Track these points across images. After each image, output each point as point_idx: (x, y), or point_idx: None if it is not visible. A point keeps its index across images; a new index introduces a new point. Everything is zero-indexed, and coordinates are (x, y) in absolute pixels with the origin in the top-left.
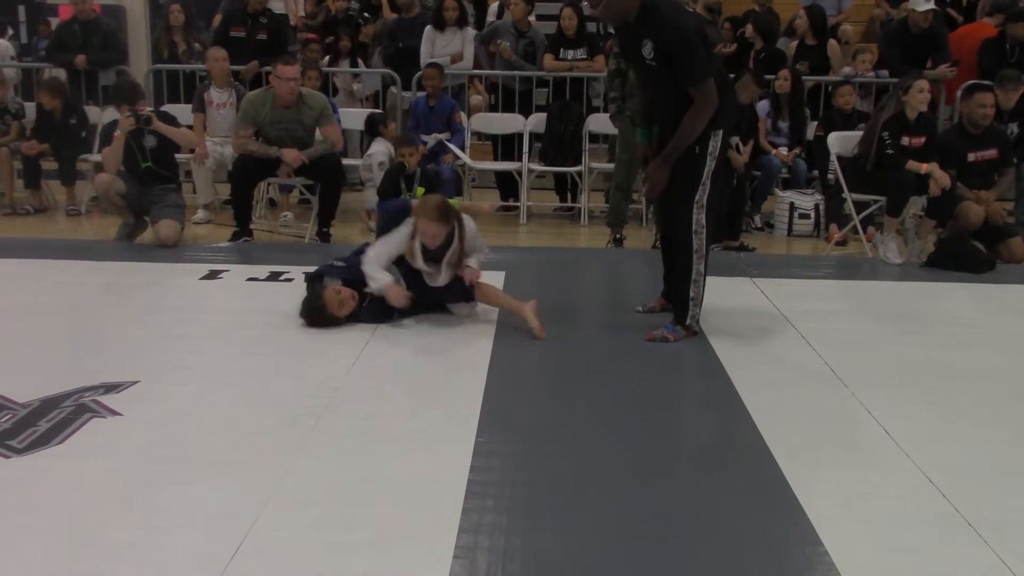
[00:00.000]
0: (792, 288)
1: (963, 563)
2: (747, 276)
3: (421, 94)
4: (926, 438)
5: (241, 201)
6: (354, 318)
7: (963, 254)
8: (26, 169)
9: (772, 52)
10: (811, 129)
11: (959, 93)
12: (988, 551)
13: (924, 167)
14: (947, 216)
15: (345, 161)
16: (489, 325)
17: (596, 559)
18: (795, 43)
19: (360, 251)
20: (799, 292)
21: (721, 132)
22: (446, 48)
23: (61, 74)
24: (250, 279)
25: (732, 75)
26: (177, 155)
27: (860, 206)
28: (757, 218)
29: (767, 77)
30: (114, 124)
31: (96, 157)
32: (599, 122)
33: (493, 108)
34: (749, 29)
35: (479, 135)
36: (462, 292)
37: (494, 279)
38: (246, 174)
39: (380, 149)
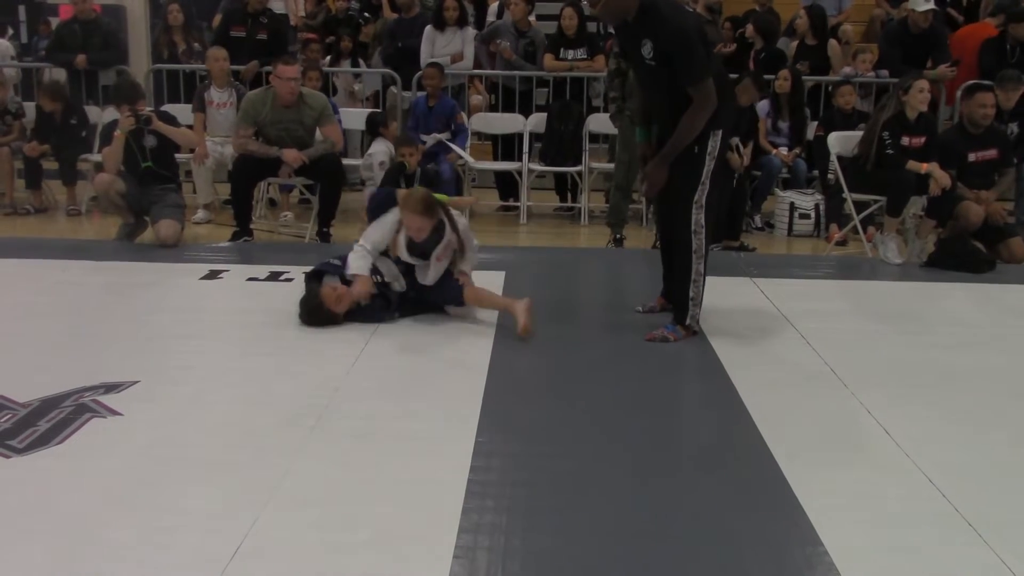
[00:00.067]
0: (792, 288)
1: (963, 563)
2: (747, 276)
3: (421, 94)
4: (926, 438)
5: (241, 201)
6: (353, 318)
7: (963, 254)
8: (27, 169)
9: (772, 52)
10: (811, 129)
11: (959, 93)
12: (988, 551)
13: (924, 167)
14: (947, 216)
15: (345, 161)
16: (489, 325)
17: (596, 559)
18: (795, 43)
19: None
20: (799, 292)
21: (720, 132)
22: (446, 48)
23: (61, 75)
24: (250, 279)
25: (733, 75)
26: (177, 155)
27: (860, 206)
28: (757, 218)
29: (767, 77)
30: (114, 124)
31: (96, 157)
32: (599, 122)
33: (493, 108)
34: (749, 29)
35: (479, 135)
36: (451, 294)
37: (494, 279)
38: (246, 174)
39: (381, 149)
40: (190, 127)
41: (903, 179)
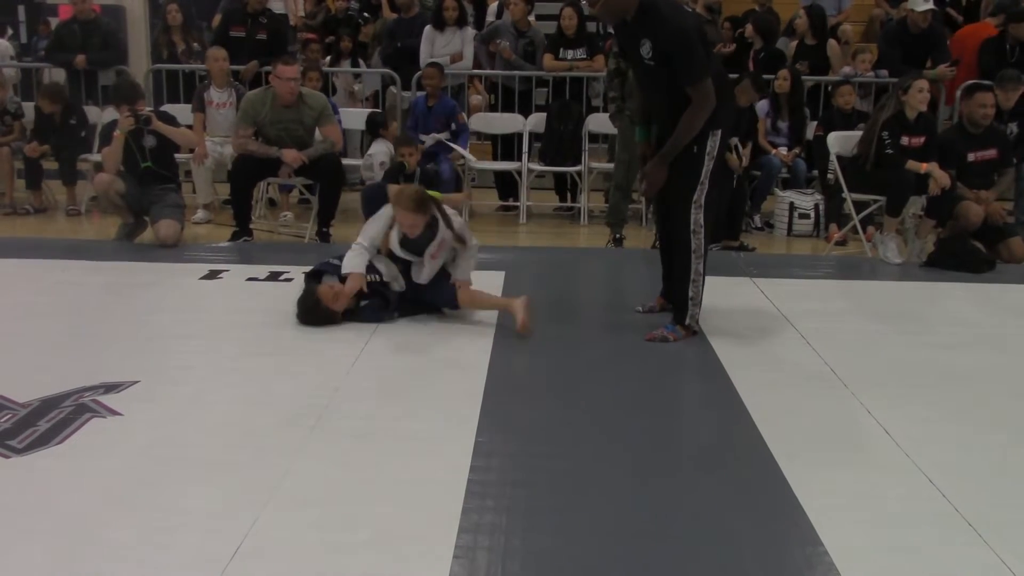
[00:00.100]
0: (792, 288)
1: (963, 563)
2: (747, 276)
3: (420, 94)
4: (926, 438)
5: (241, 201)
6: (353, 318)
7: (963, 254)
8: (27, 169)
9: (772, 52)
10: (811, 129)
11: (959, 93)
12: (988, 551)
13: (924, 167)
14: (947, 216)
15: (345, 161)
16: (488, 325)
17: (596, 559)
18: (795, 43)
19: None
20: (799, 292)
21: (719, 132)
22: (446, 48)
23: (61, 75)
24: (250, 279)
25: (732, 76)
26: (177, 155)
27: (860, 206)
28: (757, 218)
29: (766, 77)
30: (114, 124)
31: (96, 157)
32: (599, 122)
33: (493, 108)
34: (749, 29)
35: (479, 135)
36: (445, 296)
37: (494, 279)
38: (246, 174)
39: (381, 149)
40: (190, 127)
41: (903, 179)
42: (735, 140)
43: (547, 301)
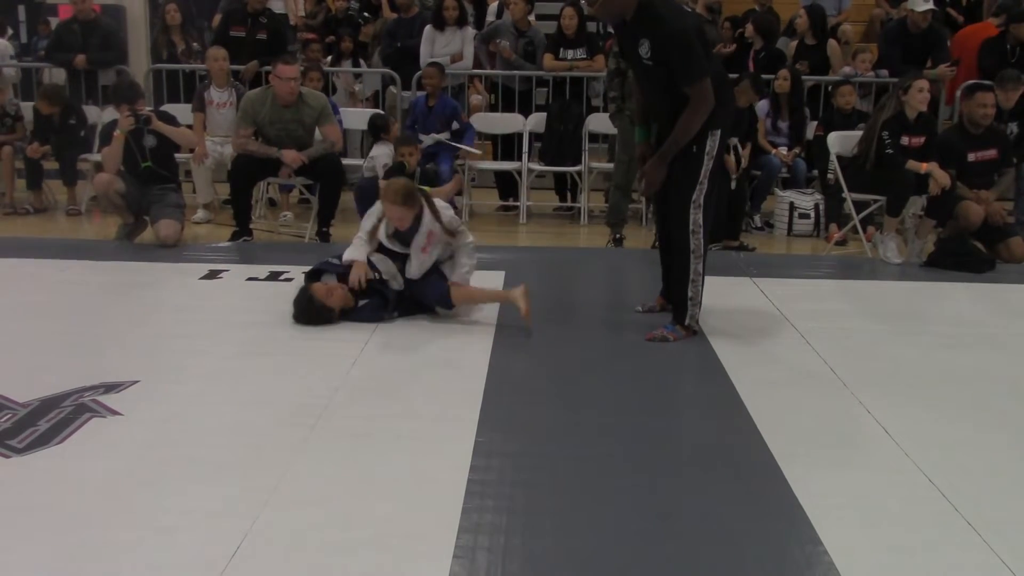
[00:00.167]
0: (792, 288)
1: (963, 563)
2: (747, 276)
3: (421, 94)
4: (926, 438)
5: (241, 201)
6: (352, 317)
7: (963, 254)
8: (28, 170)
9: (772, 52)
10: (811, 129)
11: (959, 93)
12: (988, 551)
13: (924, 167)
14: (947, 216)
15: (345, 161)
16: (489, 325)
17: (596, 559)
18: (795, 43)
19: None
20: (799, 292)
21: (719, 132)
22: (446, 48)
23: (61, 75)
24: (250, 279)
25: (732, 76)
26: (177, 155)
27: (860, 206)
28: (757, 218)
29: (766, 77)
30: (114, 124)
31: (96, 157)
32: (599, 122)
33: (493, 108)
34: (749, 29)
35: (479, 135)
36: (437, 294)
37: (494, 279)
38: (245, 174)
39: (384, 151)
40: (190, 127)
41: (903, 179)
42: (734, 140)
43: (547, 301)
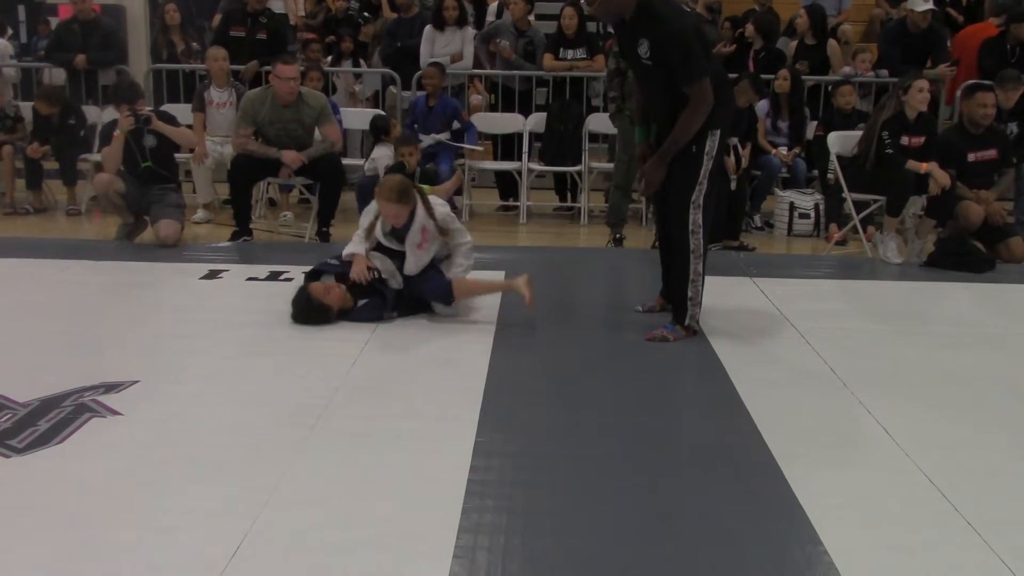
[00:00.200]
0: (792, 288)
1: (963, 563)
2: (747, 276)
3: (421, 93)
4: (926, 438)
5: (240, 201)
6: (352, 317)
7: (963, 254)
8: (28, 170)
9: (772, 52)
10: (811, 129)
11: (959, 93)
12: (988, 551)
13: (924, 167)
14: (947, 216)
15: (345, 161)
16: (488, 325)
17: (596, 559)
18: (795, 43)
19: None
20: (799, 292)
21: (718, 132)
22: (446, 48)
23: (61, 75)
24: (250, 279)
25: (732, 75)
26: (177, 155)
27: (860, 206)
28: (757, 218)
29: (766, 77)
30: (113, 124)
31: (96, 157)
32: (599, 122)
33: (493, 108)
34: (749, 29)
35: (479, 135)
36: (437, 289)
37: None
38: (245, 174)
39: (385, 152)
40: (190, 127)
41: (903, 179)
42: (734, 140)
43: (547, 301)
